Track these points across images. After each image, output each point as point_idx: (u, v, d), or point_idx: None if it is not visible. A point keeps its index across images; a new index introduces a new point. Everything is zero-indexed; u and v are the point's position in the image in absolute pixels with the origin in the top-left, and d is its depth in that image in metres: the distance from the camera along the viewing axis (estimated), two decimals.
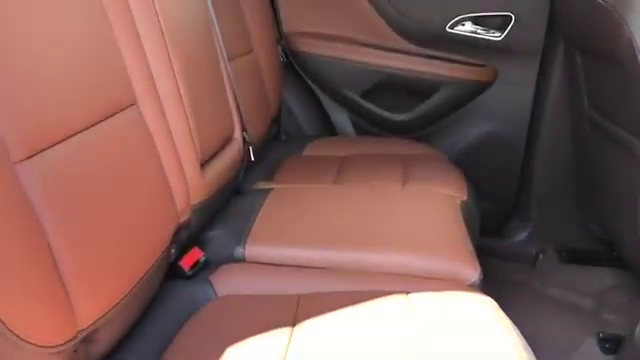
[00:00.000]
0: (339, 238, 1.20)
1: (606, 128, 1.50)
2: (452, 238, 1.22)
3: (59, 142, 0.78)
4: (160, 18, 1.10)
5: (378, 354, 0.86)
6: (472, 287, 1.09)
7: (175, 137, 1.10)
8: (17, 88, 0.73)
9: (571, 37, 1.72)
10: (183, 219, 1.11)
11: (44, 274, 0.70)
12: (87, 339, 0.79)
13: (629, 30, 1.22)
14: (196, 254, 1.15)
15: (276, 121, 1.98)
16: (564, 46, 1.81)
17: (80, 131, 0.82)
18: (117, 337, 0.88)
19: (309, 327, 0.92)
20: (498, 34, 1.91)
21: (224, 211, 1.35)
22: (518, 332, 0.93)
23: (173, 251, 1.09)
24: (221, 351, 0.87)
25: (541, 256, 1.98)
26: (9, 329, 0.64)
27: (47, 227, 0.72)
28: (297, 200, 1.41)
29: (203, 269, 1.15)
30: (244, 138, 1.50)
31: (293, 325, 0.93)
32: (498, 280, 1.94)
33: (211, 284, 1.09)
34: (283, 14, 2.02)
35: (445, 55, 1.98)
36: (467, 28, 1.93)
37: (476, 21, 1.92)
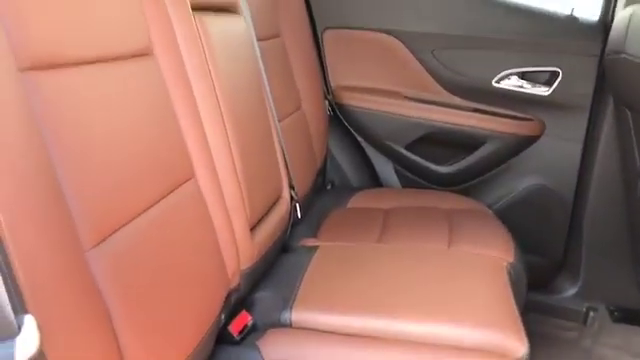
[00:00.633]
0: (383, 305, 1.21)
1: None
2: (499, 308, 1.22)
3: (125, 225, 0.82)
4: (217, 90, 1.15)
5: None
6: None
7: (228, 205, 1.14)
8: (88, 176, 0.77)
9: (621, 95, 1.70)
10: (233, 285, 1.14)
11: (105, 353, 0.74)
12: None
13: None
14: (244, 318, 1.18)
15: (321, 172, 2.02)
16: (613, 103, 1.79)
17: (144, 211, 0.87)
18: None
19: None
20: (545, 89, 1.91)
21: (271, 271, 1.38)
22: None
23: (223, 316, 1.12)
24: None
25: (592, 314, 1.92)
26: None
27: (111, 309, 0.76)
28: (342, 260, 1.42)
29: (250, 333, 1.17)
30: (291, 196, 1.53)
31: None
32: (546, 337, 1.90)
33: (259, 350, 1.11)
34: (330, 68, 2.07)
35: (491, 109, 1.98)
36: (514, 82, 1.94)
37: (523, 76, 1.93)
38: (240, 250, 1.17)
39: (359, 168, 2.15)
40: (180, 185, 0.99)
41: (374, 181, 2.15)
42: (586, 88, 1.88)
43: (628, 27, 1.51)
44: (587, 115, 1.90)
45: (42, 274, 0.65)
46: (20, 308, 0.59)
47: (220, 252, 1.10)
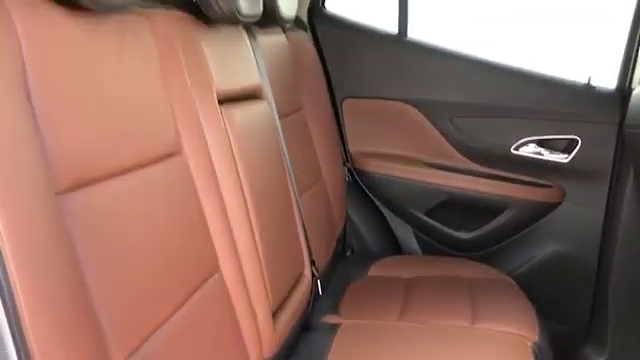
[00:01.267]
0: None
1: None
2: None
3: (153, 332, 0.83)
4: (242, 179, 1.17)
5: None
6: None
7: (250, 293, 1.15)
8: (118, 286, 0.78)
9: None
10: None
11: None
12: None
13: None
14: None
15: (341, 238, 2.02)
16: (634, 169, 1.79)
17: (171, 315, 0.88)
18: None
19: None
20: (564, 156, 1.92)
21: (294, 353, 1.37)
22: None
23: None
24: None
25: None
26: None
27: None
28: (364, 341, 1.41)
29: None
30: (312, 272, 1.54)
31: None
32: None
33: None
34: (349, 135, 2.10)
35: (510, 175, 1.99)
36: (532, 149, 1.95)
37: (541, 143, 1.94)
38: (262, 338, 1.17)
39: (379, 233, 2.15)
40: (206, 281, 1.00)
41: (394, 247, 2.14)
42: (606, 155, 1.88)
43: None
44: (608, 181, 1.90)
45: None
46: None
47: (243, 342, 1.10)
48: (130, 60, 0.91)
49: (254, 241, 1.17)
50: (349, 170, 2.11)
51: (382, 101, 2.04)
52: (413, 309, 1.59)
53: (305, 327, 1.52)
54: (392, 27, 2.02)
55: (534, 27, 2.40)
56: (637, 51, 1.81)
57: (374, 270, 1.90)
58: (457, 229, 2.06)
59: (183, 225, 0.98)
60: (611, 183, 1.89)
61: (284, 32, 1.75)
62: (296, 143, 1.66)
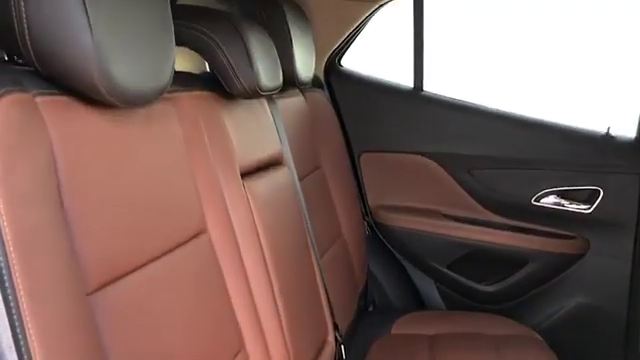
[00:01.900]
0: None
1: None
2: None
3: None
4: (265, 251, 1.18)
5: None
6: None
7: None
8: None
9: None
10: None
11: None
12: None
13: None
14: None
15: (363, 294, 2.01)
16: None
17: None
18: None
19: None
20: (587, 207, 1.89)
21: None
22: None
23: None
24: None
25: None
26: None
27: None
28: None
29: None
30: (336, 338, 1.52)
31: None
32: None
33: None
34: (367, 189, 2.10)
35: (532, 226, 1.97)
36: (553, 200, 1.93)
37: (562, 194, 1.92)
38: None
39: (401, 287, 2.13)
40: None
41: (416, 300, 2.12)
42: (630, 204, 1.85)
43: None
44: (633, 230, 1.87)
45: None
46: None
47: None
48: (156, 147, 0.92)
49: (278, 315, 1.17)
50: (369, 224, 2.10)
51: (400, 154, 2.05)
52: None
53: None
54: (408, 81, 2.05)
55: (551, 77, 2.41)
56: None
57: (397, 327, 1.87)
58: (480, 282, 2.04)
59: (209, 305, 0.98)
60: (637, 232, 1.86)
61: (302, 92, 1.78)
62: (316, 203, 1.67)
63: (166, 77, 0.86)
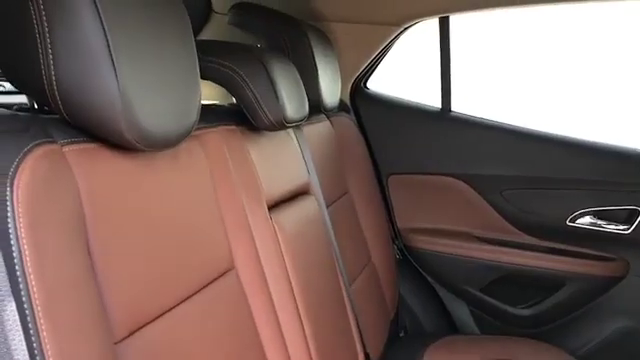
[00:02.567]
0: None
1: None
2: None
3: None
4: (294, 285, 1.16)
5: None
6: None
7: None
8: None
9: None
10: None
11: None
12: None
13: None
14: None
15: (394, 320, 1.97)
16: None
17: None
18: None
19: None
20: (625, 227, 1.83)
21: None
22: None
23: None
24: None
25: None
26: None
27: None
28: None
29: None
30: None
31: None
32: None
33: None
34: (396, 211, 2.07)
35: (568, 248, 1.91)
36: (589, 221, 1.87)
37: (599, 214, 1.86)
38: None
39: (433, 312, 2.09)
40: None
41: (449, 325, 2.07)
42: None
43: None
44: None
45: None
46: None
47: None
48: (184, 185, 0.92)
49: (308, 349, 1.15)
50: (399, 247, 2.07)
51: (429, 176, 2.02)
52: None
53: None
54: (435, 102, 2.02)
55: (580, 96, 2.36)
56: None
57: (430, 353, 1.83)
58: (515, 305, 1.98)
59: (238, 342, 0.97)
60: None
61: (328, 117, 1.78)
62: (344, 229, 1.65)
63: (192, 118, 0.86)
